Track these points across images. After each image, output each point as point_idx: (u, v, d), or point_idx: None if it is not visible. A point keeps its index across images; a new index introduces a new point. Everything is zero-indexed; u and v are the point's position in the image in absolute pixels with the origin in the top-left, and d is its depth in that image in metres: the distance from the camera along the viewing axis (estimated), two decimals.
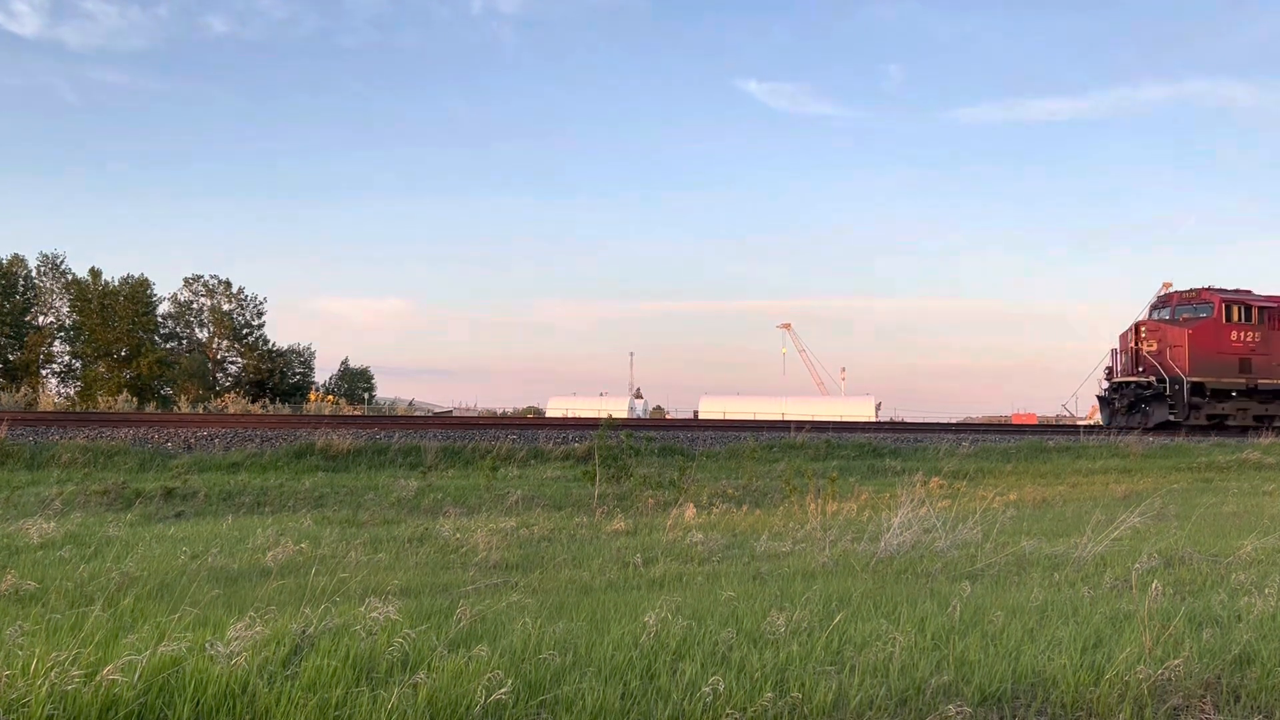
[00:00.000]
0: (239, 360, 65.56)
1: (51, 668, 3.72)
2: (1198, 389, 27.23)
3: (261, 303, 66.84)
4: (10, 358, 55.40)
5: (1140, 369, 27.98)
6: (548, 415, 46.74)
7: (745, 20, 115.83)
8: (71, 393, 54.06)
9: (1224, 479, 17.70)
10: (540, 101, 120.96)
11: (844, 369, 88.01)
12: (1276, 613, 5.55)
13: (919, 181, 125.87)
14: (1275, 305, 28.55)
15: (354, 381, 74.99)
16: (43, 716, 3.48)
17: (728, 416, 44.93)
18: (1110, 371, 29.30)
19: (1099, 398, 29.74)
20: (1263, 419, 28.11)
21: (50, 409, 31.47)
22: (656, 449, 17.74)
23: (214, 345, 65.67)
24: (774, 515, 11.17)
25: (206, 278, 66.13)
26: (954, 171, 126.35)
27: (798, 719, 3.95)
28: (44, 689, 3.59)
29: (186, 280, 66.21)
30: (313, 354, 69.74)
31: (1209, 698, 4.28)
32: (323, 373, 73.50)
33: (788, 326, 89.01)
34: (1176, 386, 26.90)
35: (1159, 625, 4.96)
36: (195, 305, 66.02)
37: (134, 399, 40.49)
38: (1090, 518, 8.98)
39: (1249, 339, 27.94)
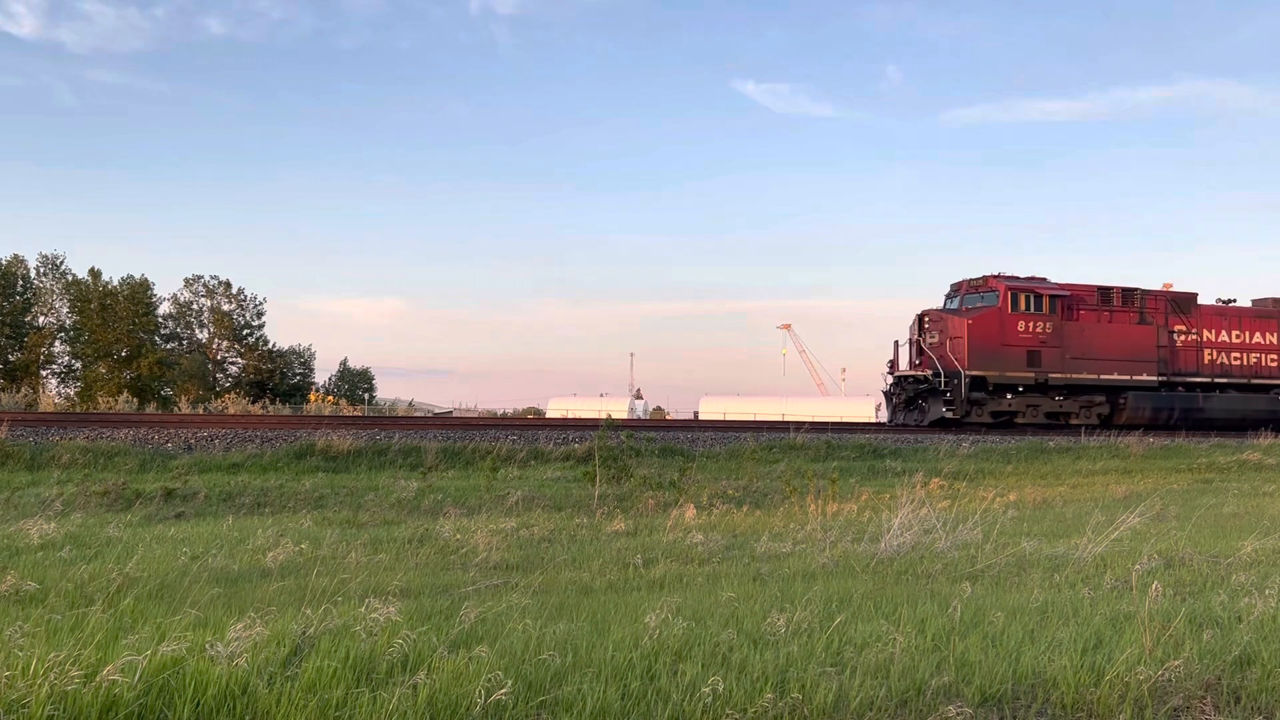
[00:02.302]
0: (239, 361, 65.59)
1: (51, 668, 3.72)
2: (978, 383, 24.95)
3: (261, 303, 66.94)
4: (10, 358, 55.41)
5: (918, 362, 25.93)
6: (548, 416, 46.74)
7: (742, 21, 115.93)
8: (71, 393, 54.06)
9: (1224, 480, 17.70)
10: (538, 102, 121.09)
11: (844, 369, 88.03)
12: (1277, 614, 5.55)
13: (918, 181, 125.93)
14: (1069, 294, 26.22)
15: (354, 382, 75.03)
16: (43, 717, 3.48)
17: (728, 417, 44.91)
18: (893, 364, 27.04)
19: (884, 393, 27.48)
20: (1056, 417, 25.98)
21: (50, 410, 31.47)
22: (657, 449, 17.74)
23: (214, 346, 65.69)
24: (774, 516, 11.17)
25: (206, 278, 66.21)
26: (953, 171, 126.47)
27: None
28: (44, 689, 3.59)
29: (186, 281, 66.35)
30: (313, 355, 69.87)
31: (1209, 699, 4.28)
32: (323, 373, 73.72)
33: (788, 327, 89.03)
34: (954, 380, 24.67)
35: (1159, 626, 4.96)
36: (195, 306, 66.08)
37: (134, 400, 40.48)
38: (1090, 518, 8.98)
39: (1038, 330, 25.42)
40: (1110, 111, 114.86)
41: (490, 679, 3.93)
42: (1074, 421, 25.85)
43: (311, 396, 58.60)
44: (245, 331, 66.04)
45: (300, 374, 68.28)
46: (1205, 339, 27.80)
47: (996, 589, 6.56)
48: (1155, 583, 6.11)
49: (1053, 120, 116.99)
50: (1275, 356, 28.62)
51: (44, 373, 56.82)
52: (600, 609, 5.76)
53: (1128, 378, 26.21)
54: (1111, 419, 26.15)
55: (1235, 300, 29.23)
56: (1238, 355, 28.17)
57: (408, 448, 17.04)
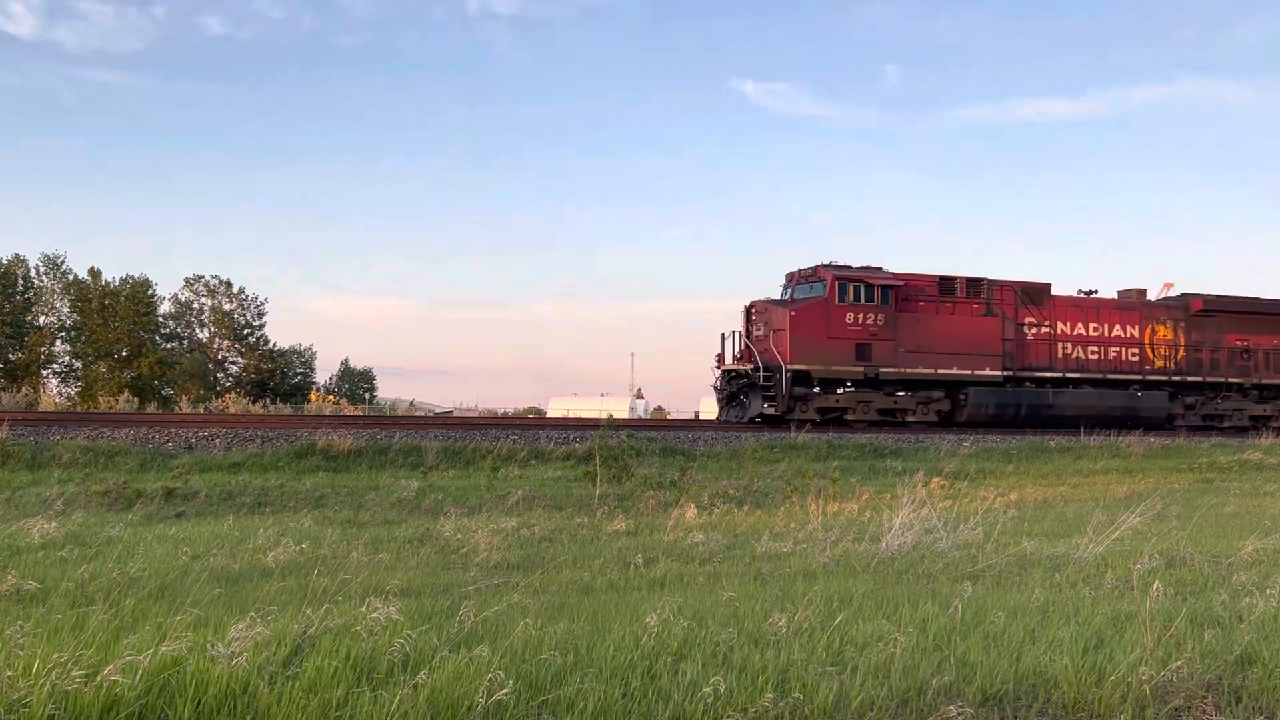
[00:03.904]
0: (240, 360, 65.57)
1: (53, 668, 3.72)
2: (802, 378, 23.45)
3: (262, 303, 66.90)
4: (11, 358, 55.41)
5: (739, 356, 24.43)
6: (549, 415, 46.74)
7: (741, 21, 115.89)
8: (72, 393, 54.07)
9: (1225, 479, 17.70)
10: (536, 101, 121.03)
11: None
12: (1278, 613, 5.55)
13: (917, 181, 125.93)
14: (903, 284, 24.53)
15: (355, 382, 75.04)
16: (44, 717, 3.48)
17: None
18: (720, 358, 25.16)
19: (714, 387, 25.74)
20: (891, 414, 24.52)
21: (51, 409, 31.48)
22: (657, 449, 17.73)
23: (214, 345, 65.70)
24: (775, 515, 11.17)
25: (207, 278, 66.17)
26: (952, 171, 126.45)
27: None
28: (45, 689, 3.59)
29: (187, 280, 66.26)
30: (313, 354, 69.78)
31: (1210, 698, 4.28)
32: (323, 373, 73.59)
33: None
34: (773, 375, 23.11)
35: (1160, 626, 4.96)
36: (196, 305, 66.05)
37: (135, 399, 40.46)
38: (1091, 518, 8.98)
39: (869, 322, 23.80)
40: (1110, 111, 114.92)
41: (491, 678, 3.93)
42: (911, 419, 24.51)
43: (312, 396, 58.60)
44: (246, 331, 66.02)
45: (301, 374, 68.25)
46: (1059, 332, 26.26)
47: (997, 589, 6.56)
48: (1156, 582, 6.11)
49: (1052, 120, 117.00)
50: (1137, 350, 27.17)
51: (45, 372, 56.82)
52: (601, 608, 5.76)
53: (969, 372, 24.69)
54: (953, 416, 24.88)
55: (1097, 291, 27.62)
56: (1095, 349, 26.64)
57: (408, 447, 17.04)
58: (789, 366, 23.09)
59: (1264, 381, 28.57)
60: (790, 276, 25.15)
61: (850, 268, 24.34)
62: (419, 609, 5.47)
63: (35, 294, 59.25)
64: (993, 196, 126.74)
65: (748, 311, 24.68)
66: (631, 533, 9.83)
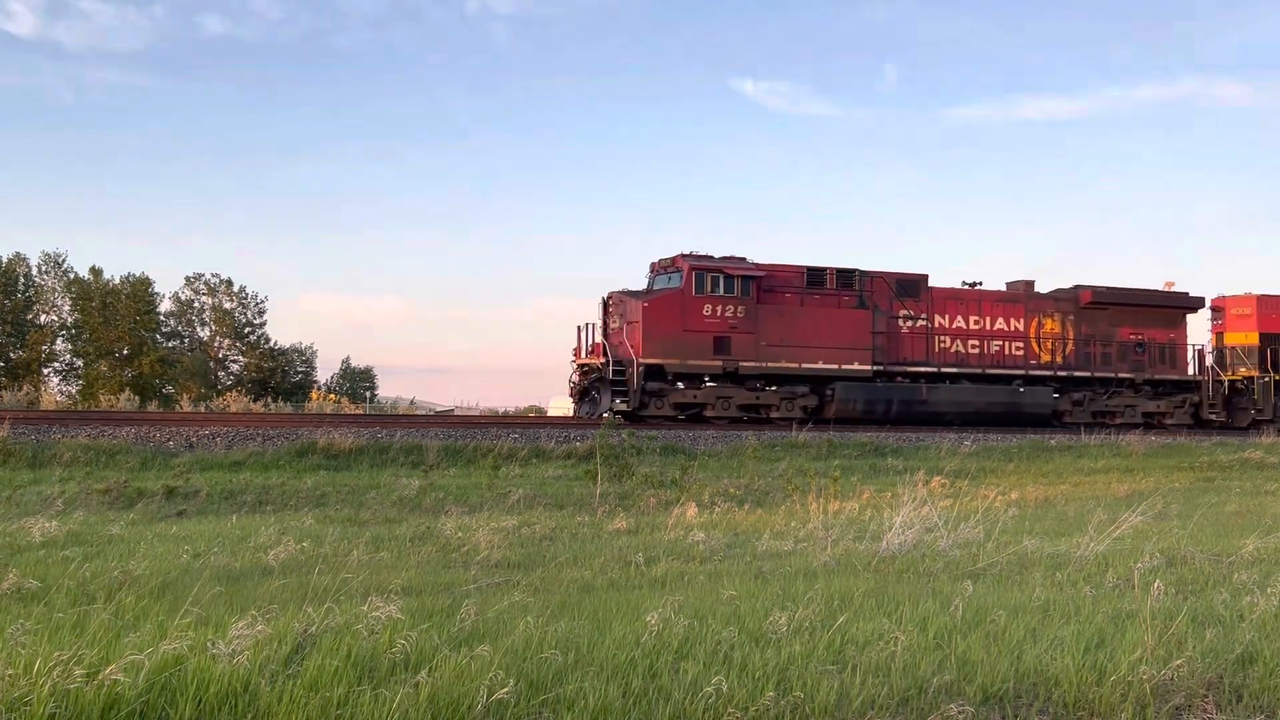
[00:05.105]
0: (240, 359, 65.54)
1: (54, 667, 3.72)
2: (656, 372, 22.26)
3: (263, 301, 66.87)
4: (12, 356, 55.44)
5: (591, 349, 23.37)
6: (549, 414, 46.74)
7: (740, 20, 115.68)
8: (73, 391, 54.12)
9: (1226, 478, 17.72)
10: (537, 100, 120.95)
11: None
12: (1279, 612, 5.55)
13: (916, 181, 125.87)
14: (766, 275, 23.38)
15: (356, 380, 75.02)
16: (45, 715, 3.49)
17: None
18: (577, 351, 24.05)
19: (570, 382, 24.59)
20: (755, 409, 23.38)
21: (52, 408, 31.51)
22: (658, 448, 17.75)
23: (215, 344, 65.72)
24: (776, 514, 11.18)
25: (208, 276, 66.16)
26: (951, 170, 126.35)
27: (799, 719, 3.95)
28: (46, 688, 3.59)
29: (188, 279, 66.17)
30: (314, 353, 69.76)
31: (1211, 697, 4.28)
32: (324, 371, 73.51)
33: None
34: (623, 369, 22.00)
35: (1161, 625, 4.96)
36: (197, 304, 66.04)
37: (136, 398, 40.46)
38: (1092, 517, 8.98)
39: (728, 314, 22.61)
40: (1110, 110, 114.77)
41: (492, 677, 3.93)
42: (775, 415, 23.30)
43: (313, 395, 58.59)
44: (247, 330, 66.01)
45: (302, 372, 68.24)
46: (937, 325, 25.08)
47: (998, 587, 6.56)
48: (1157, 581, 6.11)
49: (1051, 119, 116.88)
50: (1021, 345, 25.95)
51: (45, 371, 56.85)
52: (602, 607, 5.76)
53: (836, 366, 23.58)
54: (820, 412, 23.68)
55: (981, 283, 26.43)
56: (976, 343, 25.46)
57: (409, 446, 17.05)
58: (641, 361, 22.01)
59: (1158, 377, 27.32)
60: (653, 266, 24.05)
61: (711, 257, 23.18)
62: (420, 608, 5.47)
63: (36, 292, 59.27)
64: (993, 197, 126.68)
65: (605, 303, 23.52)
66: (632, 531, 9.84)
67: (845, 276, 24.26)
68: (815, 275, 24.09)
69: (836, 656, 4.60)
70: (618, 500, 12.33)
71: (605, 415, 21.98)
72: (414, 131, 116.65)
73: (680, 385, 22.95)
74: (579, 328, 23.90)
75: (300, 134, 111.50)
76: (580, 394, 23.67)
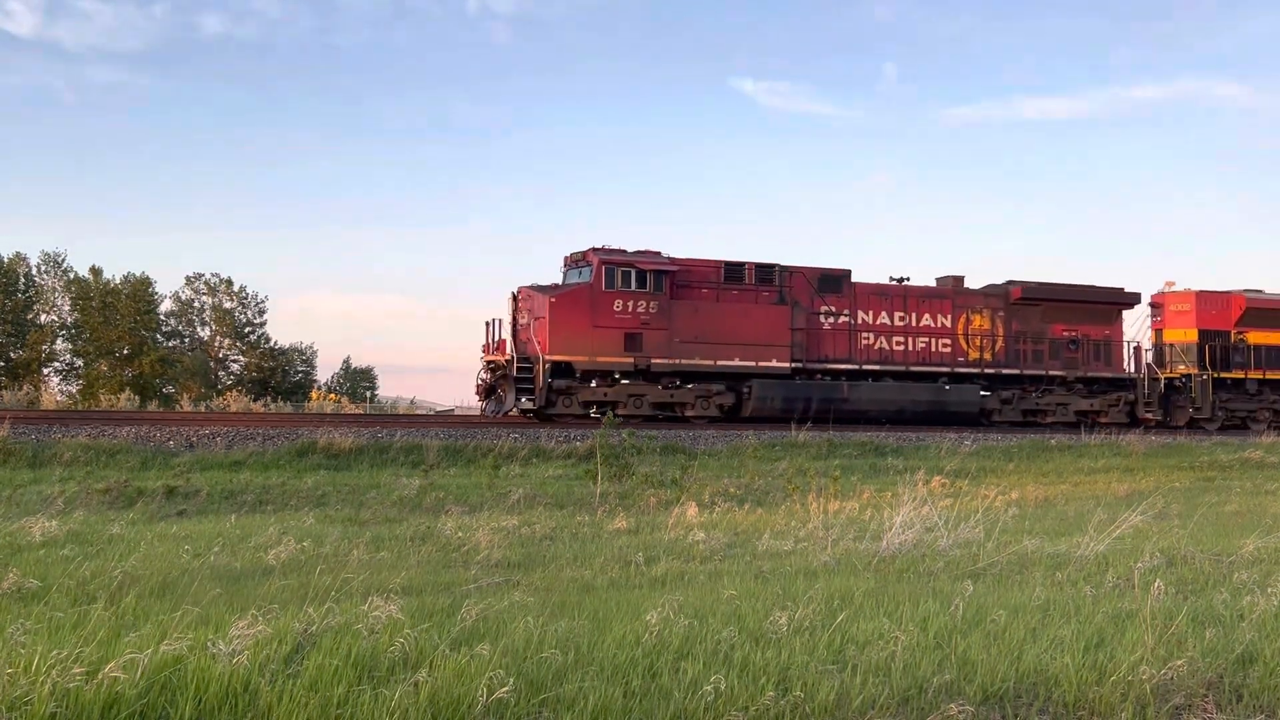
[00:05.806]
0: (241, 359, 65.56)
1: (54, 666, 3.72)
2: (564, 370, 21.68)
3: (263, 301, 66.88)
4: (12, 356, 55.44)
5: (495, 346, 22.85)
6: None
7: (741, 19, 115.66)
8: (73, 391, 54.11)
9: (1226, 478, 17.72)
10: (535, 100, 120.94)
11: None
12: (1279, 612, 5.55)
13: (916, 180, 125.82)
14: (678, 270, 22.84)
15: (356, 380, 75.01)
16: (45, 714, 3.49)
17: None
18: (486, 347, 23.40)
19: (478, 379, 23.94)
20: (669, 408, 22.77)
21: (52, 407, 31.53)
22: (658, 448, 17.74)
23: (215, 344, 65.72)
24: (776, 514, 11.18)
25: (208, 276, 66.16)
26: (951, 170, 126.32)
27: (800, 718, 3.95)
28: (46, 687, 3.59)
29: (188, 278, 66.18)
30: (315, 352, 69.77)
31: (1211, 697, 4.28)
32: (325, 371, 73.50)
33: None
34: (527, 366, 21.43)
35: (1162, 624, 4.96)
36: (197, 303, 66.04)
37: (136, 397, 40.51)
38: (1092, 517, 8.98)
39: (639, 310, 22.08)
40: (1110, 111, 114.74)
41: (492, 677, 3.93)
42: (690, 414, 22.78)
43: (313, 394, 58.58)
44: (247, 329, 66.01)
45: (302, 372, 68.23)
46: (860, 322, 24.50)
47: (998, 587, 6.56)
48: (1157, 581, 6.11)
49: (1052, 119, 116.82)
50: (949, 341, 25.34)
51: (45, 370, 56.84)
52: (602, 607, 5.76)
53: (753, 364, 22.98)
54: (738, 411, 23.24)
55: (909, 279, 25.78)
56: (901, 340, 24.84)
57: (409, 446, 17.05)
58: (547, 357, 21.45)
59: (1091, 374, 26.68)
60: (565, 260, 23.57)
61: (623, 251, 22.71)
62: (420, 607, 5.47)
63: (36, 292, 59.27)
64: (993, 196, 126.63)
65: (514, 298, 22.80)
66: (632, 531, 9.84)
67: (764, 271, 23.76)
68: (733, 270, 23.56)
69: (837, 656, 4.60)
70: (618, 500, 12.33)
71: (511, 413, 21.92)
72: (414, 131, 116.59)
73: (593, 383, 22.44)
74: (486, 323, 23.37)
75: (300, 134, 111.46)
76: (486, 391, 23.13)
